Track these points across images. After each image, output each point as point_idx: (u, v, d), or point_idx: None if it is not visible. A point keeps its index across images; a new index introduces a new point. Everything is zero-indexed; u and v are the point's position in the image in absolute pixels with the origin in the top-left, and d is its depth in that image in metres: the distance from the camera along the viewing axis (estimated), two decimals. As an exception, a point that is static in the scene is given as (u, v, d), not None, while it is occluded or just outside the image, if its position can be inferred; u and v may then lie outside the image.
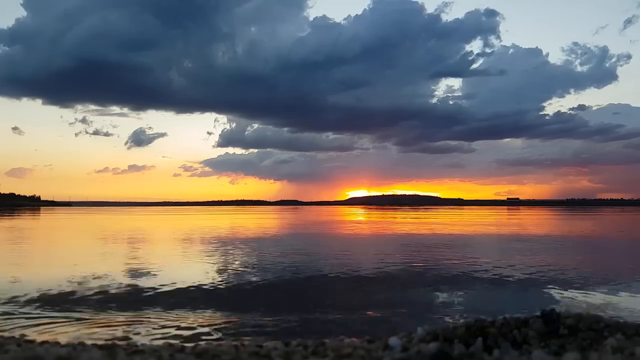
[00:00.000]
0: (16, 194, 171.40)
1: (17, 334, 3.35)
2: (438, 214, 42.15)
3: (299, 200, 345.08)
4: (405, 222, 25.01)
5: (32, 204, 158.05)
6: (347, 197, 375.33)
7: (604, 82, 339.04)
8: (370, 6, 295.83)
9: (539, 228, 19.83)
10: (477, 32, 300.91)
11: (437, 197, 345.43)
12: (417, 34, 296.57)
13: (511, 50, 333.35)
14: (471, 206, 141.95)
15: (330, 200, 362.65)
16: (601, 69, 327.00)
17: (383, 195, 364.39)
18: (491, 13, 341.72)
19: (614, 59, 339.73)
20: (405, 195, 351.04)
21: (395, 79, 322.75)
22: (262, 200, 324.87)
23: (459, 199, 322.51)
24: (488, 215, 36.86)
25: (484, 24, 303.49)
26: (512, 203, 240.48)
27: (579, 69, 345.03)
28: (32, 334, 3.40)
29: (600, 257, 8.96)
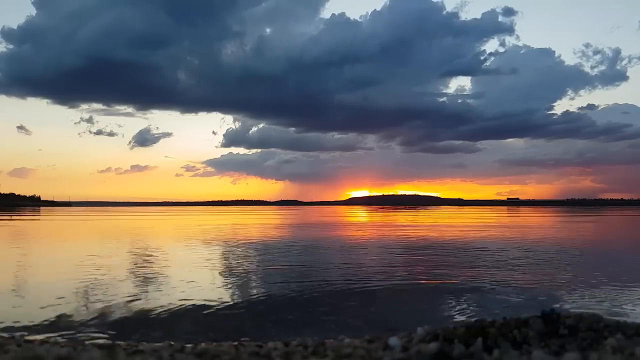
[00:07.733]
0: (16, 194, 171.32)
1: (17, 334, 3.35)
2: (423, 214, 42.16)
3: (300, 200, 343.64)
4: (398, 222, 25.01)
5: (31, 204, 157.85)
6: (348, 198, 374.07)
7: (614, 83, 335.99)
8: (388, 3, 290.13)
9: (529, 228, 19.82)
10: (494, 31, 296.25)
11: (437, 197, 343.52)
12: (434, 33, 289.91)
13: (523, 50, 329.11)
14: (470, 206, 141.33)
15: (331, 200, 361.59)
16: (612, 70, 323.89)
17: (383, 195, 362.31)
18: (509, 12, 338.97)
19: (625, 61, 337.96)
20: (405, 195, 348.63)
21: (407, 78, 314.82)
22: (262, 200, 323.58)
23: (458, 199, 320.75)
24: (482, 215, 36.87)
25: (501, 23, 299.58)
26: (512, 203, 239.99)
27: (590, 70, 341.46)
28: (32, 335, 3.40)
29: (599, 257, 8.95)
